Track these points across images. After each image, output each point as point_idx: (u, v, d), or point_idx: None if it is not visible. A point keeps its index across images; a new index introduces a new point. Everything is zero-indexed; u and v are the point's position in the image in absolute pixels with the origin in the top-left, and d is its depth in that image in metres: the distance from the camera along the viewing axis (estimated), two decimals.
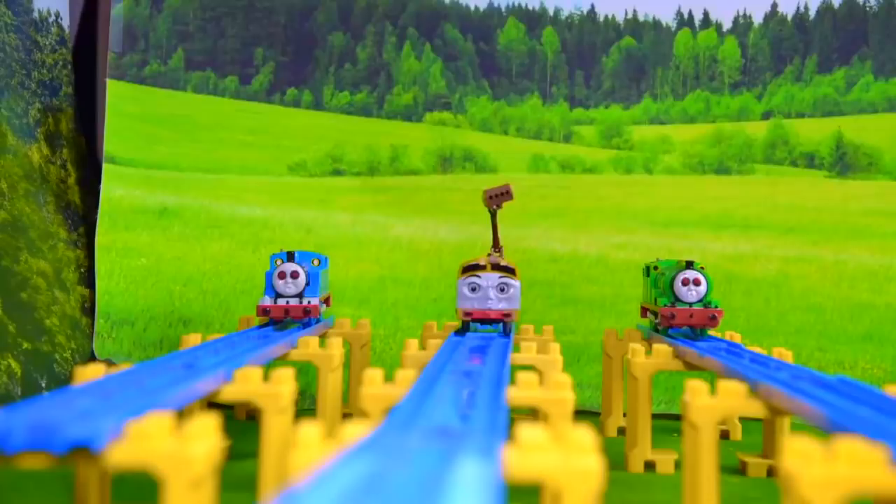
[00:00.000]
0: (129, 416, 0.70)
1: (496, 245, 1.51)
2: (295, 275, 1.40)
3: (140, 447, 0.67)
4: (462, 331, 1.38)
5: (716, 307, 1.39)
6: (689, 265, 1.42)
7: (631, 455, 1.36)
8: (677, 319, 1.39)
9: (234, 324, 1.76)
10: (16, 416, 0.67)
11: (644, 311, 1.61)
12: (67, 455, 0.65)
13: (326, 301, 1.56)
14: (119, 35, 1.98)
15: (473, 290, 1.33)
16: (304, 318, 1.41)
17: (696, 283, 1.40)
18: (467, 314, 1.34)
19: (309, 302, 1.40)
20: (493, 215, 1.49)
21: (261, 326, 1.44)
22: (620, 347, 1.58)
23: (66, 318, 1.74)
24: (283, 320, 1.43)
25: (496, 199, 1.48)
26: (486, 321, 1.35)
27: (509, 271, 1.34)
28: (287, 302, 1.40)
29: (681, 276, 1.40)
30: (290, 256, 1.43)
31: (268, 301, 1.40)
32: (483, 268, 1.34)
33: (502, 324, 1.36)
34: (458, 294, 1.34)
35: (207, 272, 1.91)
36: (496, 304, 1.33)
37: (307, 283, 1.41)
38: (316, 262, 1.49)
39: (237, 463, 1.21)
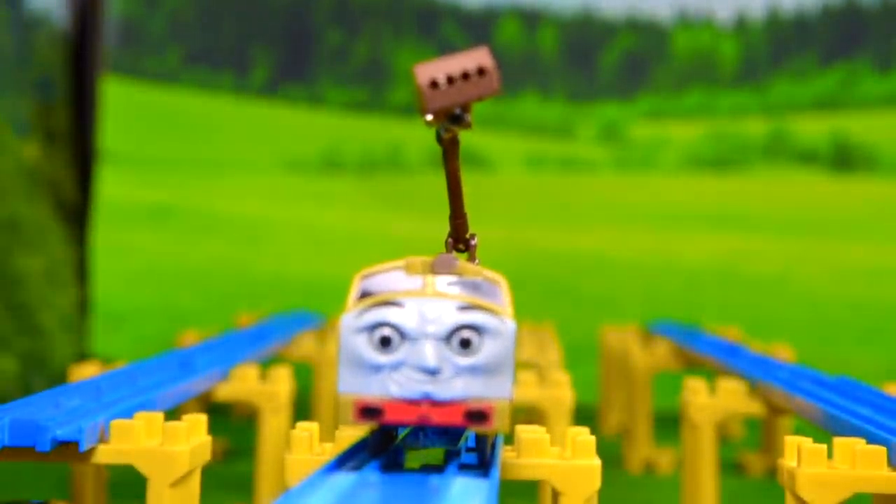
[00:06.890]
0: (116, 415, 0.71)
1: (456, 216, 0.68)
2: None
3: (124, 445, 0.68)
4: (365, 457, 0.59)
5: None
6: None
7: (630, 454, 1.36)
8: None
9: (232, 322, 1.75)
10: (2, 413, 0.68)
11: None
12: (57, 452, 0.66)
13: None
14: (115, 31, 1.97)
15: (385, 342, 0.54)
16: None
17: None
18: (366, 411, 0.54)
19: None
20: (450, 141, 0.63)
21: None
22: (619, 345, 1.58)
23: (62, 316, 1.73)
24: None
25: (448, 90, 0.57)
26: (422, 427, 0.57)
27: (484, 292, 0.56)
28: None
29: None
30: None
31: None
32: (417, 286, 0.57)
33: (473, 435, 0.61)
34: (340, 356, 0.55)
35: (204, 270, 1.91)
36: (448, 386, 0.53)
37: None
38: None
39: (235, 462, 1.21)
